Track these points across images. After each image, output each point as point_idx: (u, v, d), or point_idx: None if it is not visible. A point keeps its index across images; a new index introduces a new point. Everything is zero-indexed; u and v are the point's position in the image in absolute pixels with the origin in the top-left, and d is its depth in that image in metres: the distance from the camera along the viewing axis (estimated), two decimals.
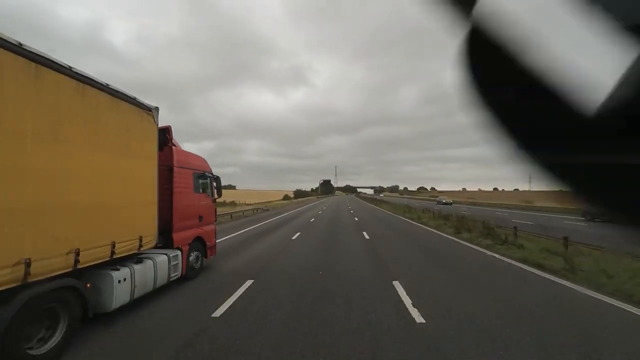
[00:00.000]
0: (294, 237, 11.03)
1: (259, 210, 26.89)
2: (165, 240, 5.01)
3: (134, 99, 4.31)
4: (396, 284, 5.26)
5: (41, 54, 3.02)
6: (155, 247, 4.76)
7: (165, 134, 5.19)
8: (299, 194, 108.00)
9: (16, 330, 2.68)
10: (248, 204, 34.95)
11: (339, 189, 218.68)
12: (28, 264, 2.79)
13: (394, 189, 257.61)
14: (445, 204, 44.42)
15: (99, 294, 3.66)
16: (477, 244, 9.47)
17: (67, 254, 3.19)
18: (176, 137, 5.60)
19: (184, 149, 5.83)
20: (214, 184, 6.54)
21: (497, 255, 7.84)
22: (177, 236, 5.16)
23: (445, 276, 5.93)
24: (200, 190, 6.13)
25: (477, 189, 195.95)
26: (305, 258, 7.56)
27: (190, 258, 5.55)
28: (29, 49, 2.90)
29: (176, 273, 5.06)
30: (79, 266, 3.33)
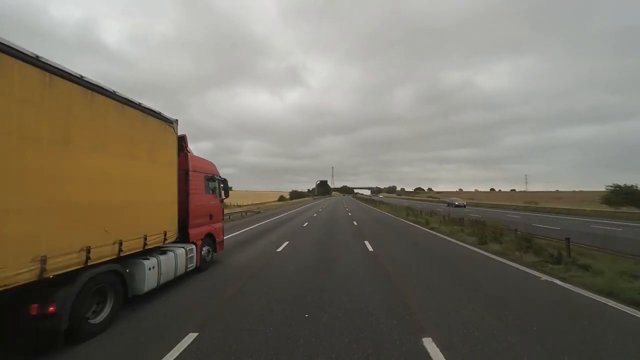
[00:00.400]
0: (279, 249, 8.89)
1: (247, 213, 25.36)
2: (182, 235, 5.80)
3: (159, 113, 5.10)
4: (431, 347, 3.21)
5: (96, 83, 3.81)
6: (174, 241, 5.55)
7: (181, 142, 5.98)
8: (295, 195, 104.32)
9: (80, 303, 3.46)
10: (240, 206, 33.52)
11: (336, 189, 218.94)
12: (88, 251, 3.58)
13: (392, 189, 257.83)
14: (459, 206, 38.16)
15: (134, 279, 4.43)
16: (518, 261, 7.19)
17: (114, 244, 3.97)
18: None
19: (196, 154, 6.64)
20: (222, 185, 7.37)
21: (559, 283, 5.54)
22: (192, 232, 5.97)
23: (507, 328, 3.66)
24: (210, 192, 6.94)
25: (473, 190, 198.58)
26: (291, 283, 5.51)
27: (203, 252, 6.35)
28: (88, 80, 3.69)
29: (192, 264, 5.84)
30: (122, 254, 4.12)
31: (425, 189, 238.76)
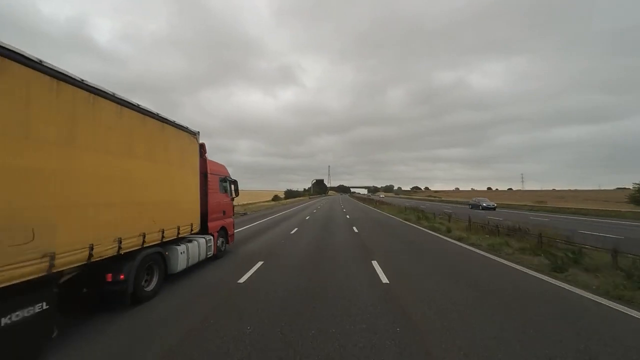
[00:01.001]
0: (242, 280, 5.98)
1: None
2: (202, 228, 7.08)
3: (187, 127, 6.39)
4: None
5: (147, 109, 5.08)
6: (197, 232, 6.83)
7: (201, 149, 7.25)
8: (290, 194, 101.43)
9: (138, 274, 4.75)
10: None
11: (332, 188, 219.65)
12: (144, 236, 4.86)
13: (389, 188, 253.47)
14: (488, 208, 30.26)
15: (170, 260, 5.72)
16: None
17: (158, 231, 5.26)
18: None
19: (211, 159, 7.91)
20: (232, 186, 8.69)
21: None
22: (210, 225, 7.28)
23: None
24: (223, 191, 8.25)
25: (469, 189, 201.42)
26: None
27: (218, 242, 7.66)
28: (144, 107, 4.96)
29: (210, 252, 7.15)
30: (163, 240, 5.40)
31: (422, 187, 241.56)
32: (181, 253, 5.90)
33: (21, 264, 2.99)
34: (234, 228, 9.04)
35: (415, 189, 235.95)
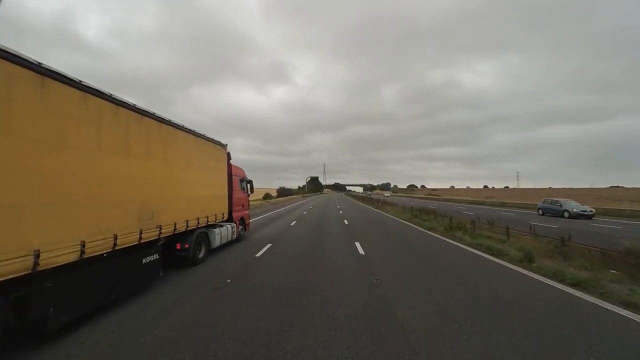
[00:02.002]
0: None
1: None
2: (228, 217, 9.54)
3: (219, 142, 8.83)
4: None
5: (199, 132, 7.52)
6: (225, 220, 9.29)
7: (227, 156, 9.66)
8: (283, 192, 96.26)
9: (194, 246, 7.22)
10: None
11: (328, 187, 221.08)
12: (198, 220, 7.35)
13: (385, 186, 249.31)
14: (583, 215, 20.73)
15: (210, 238, 8.18)
16: None
17: (205, 217, 7.72)
18: None
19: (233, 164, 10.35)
20: (248, 185, 11.18)
21: None
22: (234, 215, 9.80)
23: None
24: (242, 189, 10.73)
25: (465, 187, 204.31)
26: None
27: (239, 229, 10.16)
28: (198, 133, 7.40)
29: (234, 236, 9.66)
30: (208, 224, 7.87)
31: (419, 186, 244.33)
32: (217, 234, 8.39)
33: (148, 231, 5.44)
34: (249, 219, 11.58)
35: (412, 187, 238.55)
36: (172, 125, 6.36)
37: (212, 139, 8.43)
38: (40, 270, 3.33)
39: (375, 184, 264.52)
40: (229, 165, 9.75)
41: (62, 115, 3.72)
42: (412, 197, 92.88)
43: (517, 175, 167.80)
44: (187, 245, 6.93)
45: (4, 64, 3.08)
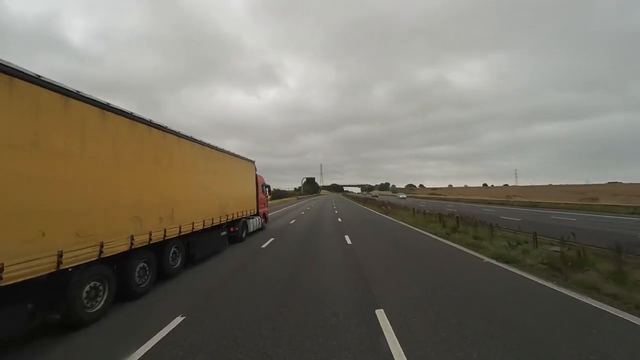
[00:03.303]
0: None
1: None
2: (256, 212, 13.98)
3: (250, 159, 13.25)
4: None
5: (234, 153, 12.00)
6: (254, 214, 13.73)
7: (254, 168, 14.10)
8: (277, 194, 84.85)
9: (241, 229, 11.65)
10: None
11: (325, 187, 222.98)
12: (243, 212, 11.81)
13: (385, 186, 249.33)
14: None
15: (247, 225, 12.62)
16: None
17: (244, 211, 12.11)
18: None
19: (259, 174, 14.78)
20: (267, 189, 15.71)
21: None
22: (259, 211, 14.27)
23: None
24: (263, 192, 15.23)
25: (463, 185, 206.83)
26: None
27: (262, 221, 14.65)
28: (234, 153, 11.90)
29: (259, 226, 14.13)
30: (244, 216, 12.31)
31: (417, 185, 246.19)
32: (251, 223, 12.82)
33: (222, 217, 9.79)
34: (268, 214, 16.13)
35: (411, 186, 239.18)
36: (225, 152, 10.73)
37: (245, 158, 12.84)
38: (171, 238, 7.58)
39: (373, 184, 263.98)
40: (255, 175, 14.22)
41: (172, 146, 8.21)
42: (417, 197, 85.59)
43: (515, 173, 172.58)
44: (237, 229, 11.35)
45: (76, 103, 4.97)
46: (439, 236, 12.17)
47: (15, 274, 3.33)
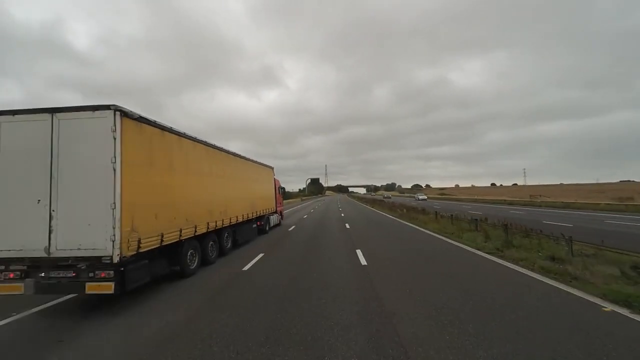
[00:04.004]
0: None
1: None
2: (275, 210, 16.85)
3: (269, 165, 16.13)
4: None
5: (260, 162, 14.88)
6: (273, 212, 16.59)
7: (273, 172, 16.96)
8: (284, 195, 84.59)
9: (265, 223, 14.51)
10: None
11: (329, 188, 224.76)
12: (266, 209, 14.68)
13: (390, 187, 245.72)
14: None
15: (269, 221, 15.49)
16: None
17: (266, 209, 14.95)
18: None
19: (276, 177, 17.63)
20: (282, 190, 18.61)
21: None
22: (278, 209, 17.15)
23: None
24: (279, 193, 18.10)
25: (469, 185, 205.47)
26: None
27: (279, 218, 17.52)
28: (260, 162, 14.78)
29: (277, 222, 16.98)
30: (266, 214, 15.16)
31: (423, 185, 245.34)
32: (272, 219, 15.66)
33: (253, 213, 12.64)
34: (283, 212, 19.04)
35: (416, 187, 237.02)
36: (254, 162, 13.57)
37: (267, 165, 15.69)
38: (225, 226, 10.39)
39: (378, 185, 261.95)
40: (273, 179, 17.05)
41: (193, 154, 11.07)
42: (444, 198, 79.08)
43: (524, 172, 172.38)
44: (262, 223, 14.20)
45: (185, 140, 10.31)
46: (489, 253, 8.81)
47: (160, 242, 6.18)
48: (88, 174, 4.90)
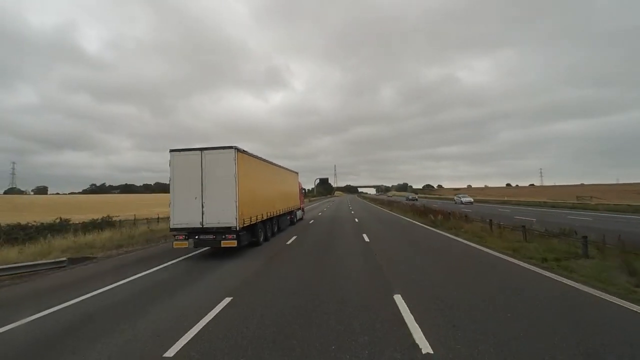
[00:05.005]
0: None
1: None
2: (299, 207, 21.51)
3: (295, 171, 20.78)
4: None
5: (287, 168, 19.53)
6: (298, 208, 21.22)
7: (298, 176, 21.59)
8: None
9: (293, 216, 19.24)
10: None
11: (339, 189, 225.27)
12: (293, 206, 19.34)
13: (403, 187, 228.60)
14: None
15: (296, 215, 20.16)
16: None
17: (293, 205, 19.53)
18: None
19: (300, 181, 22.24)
20: (304, 191, 23.30)
21: None
22: (301, 205, 21.84)
23: None
24: (302, 193, 22.77)
25: (482, 185, 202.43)
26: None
27: (302, 213, 22.20)
28: (287, 168, 19.43)
29: (301, 217, 21.67)
30: (291, 209, 19.79)
31: (435, 186, 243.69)
32: (298, 213, 20.35)
33: (287, 208, 17.23)
34: (305, 209, 23.70)
35: (428, 187, 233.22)
36: (286, 169, 18.14)
37: (293, 170, 20.29)
38: (273, 216, 15.01)
39: (389, 185, 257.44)
40: (298, 182, 21.67)
41: (262, 171, 15.70)
42: (444, 199, 72.80)
43: (541, 172, 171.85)
44: (292, 216, 18.83)
45: (256, 161, 14.96)
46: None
47: (250, 222, 10.80)
48: (221, 183, 9.45)
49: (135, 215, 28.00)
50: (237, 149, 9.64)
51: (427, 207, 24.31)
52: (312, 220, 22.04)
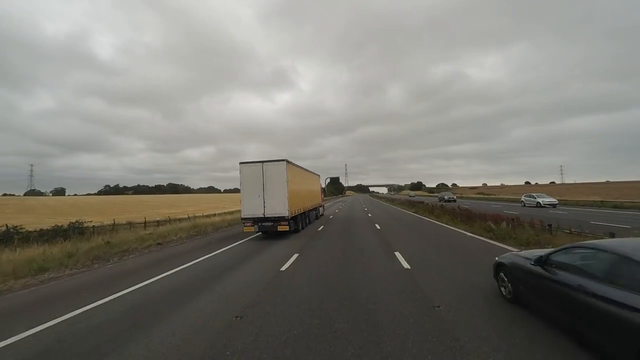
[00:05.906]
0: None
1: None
2: (321, 204, 25.95)
3: (317, 173, 25.23)
4: None
5: (309, 170, 23.99)
6: (319, 205, 25.66)
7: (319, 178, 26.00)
8: None
9: (317, 211, 23.68)
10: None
11: (350, 188, 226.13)
12: (316, 203, 23.82)
13: (417, 186, 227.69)
14: None
15: (318, 211, 24.60)
16: None
17: (316, 203, 23.92)
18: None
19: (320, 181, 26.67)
20: (324, 190, 27.74)
21: None
22: (322, 203, 26.30)
23: None
24: (322, 192, 27.24)
25: (499, 184, 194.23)
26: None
27: (323, 210, 26.67)
28: (309, 170, 23.91)
29: (322, 213, 26.09)
30: (314, 206, 24.20)
31: (449, 184, 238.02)
32: (320, 209, 24.76)
33: (313, 206, 21.56)
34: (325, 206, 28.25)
35: (443, 186, 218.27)
36: (310, 172, 22.42)
37: (315, 172, 24.68)
38: (306, 211, 19.49)
39: (402, 184, 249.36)
40: (320, 183, 26.07)
41: (299, 175, 20.19)
42: (469, 198, 68.41)
43: (561, 169, 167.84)
44: (317, 212, 23.26)
45: (303, 170, 19.43)
46: None
47: (294, 213, 15.25)
48: (276, 185, 13.87)
49: (192, 211, 33.04)
50: (287, 161, 14.08)
51: (451, 208, 21.22)
52: (331, 216, 26.42)
